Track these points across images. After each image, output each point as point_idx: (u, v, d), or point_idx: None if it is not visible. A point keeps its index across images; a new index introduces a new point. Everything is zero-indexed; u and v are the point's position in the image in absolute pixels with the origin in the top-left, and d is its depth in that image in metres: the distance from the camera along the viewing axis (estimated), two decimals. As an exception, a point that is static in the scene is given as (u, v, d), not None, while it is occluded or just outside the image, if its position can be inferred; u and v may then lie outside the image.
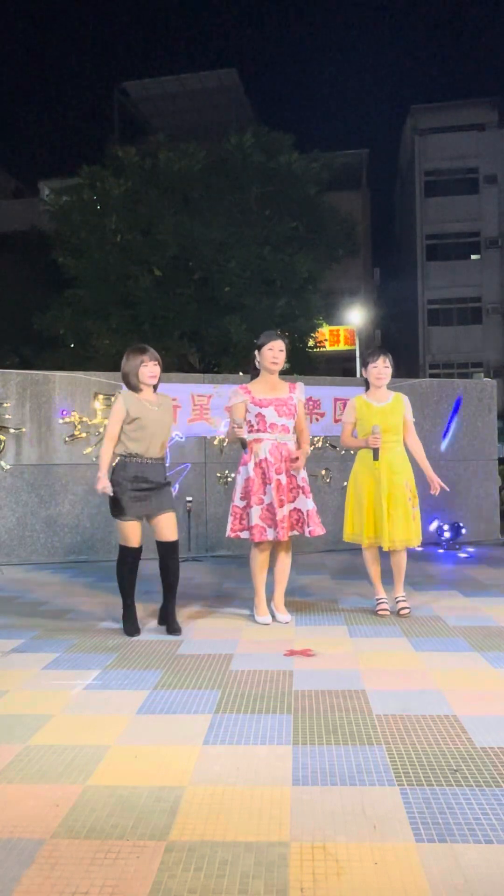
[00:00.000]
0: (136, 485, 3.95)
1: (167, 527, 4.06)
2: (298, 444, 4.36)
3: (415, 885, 1.68)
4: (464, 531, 7.73)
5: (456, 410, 8.23)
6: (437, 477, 4.62)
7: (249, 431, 4.29)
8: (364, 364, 4.69)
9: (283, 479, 4.23)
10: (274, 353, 4.27)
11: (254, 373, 4.42)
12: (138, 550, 4.07)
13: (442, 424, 8.18)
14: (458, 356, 31.04)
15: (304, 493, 4.29)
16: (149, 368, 4.01)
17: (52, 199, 14.09)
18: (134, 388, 4.06)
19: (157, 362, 4.05)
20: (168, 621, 4.12)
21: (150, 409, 4.02)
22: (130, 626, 4.07)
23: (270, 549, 4.38)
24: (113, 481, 3.96)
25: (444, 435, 8.18)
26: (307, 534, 4.29)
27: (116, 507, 3.98)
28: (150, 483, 3.99)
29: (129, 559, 4.07)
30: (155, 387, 4.11)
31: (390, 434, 4.50)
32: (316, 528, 4.28)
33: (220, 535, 7.25)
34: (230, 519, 4.32)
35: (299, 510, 4.28)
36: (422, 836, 1.89)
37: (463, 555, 7.25)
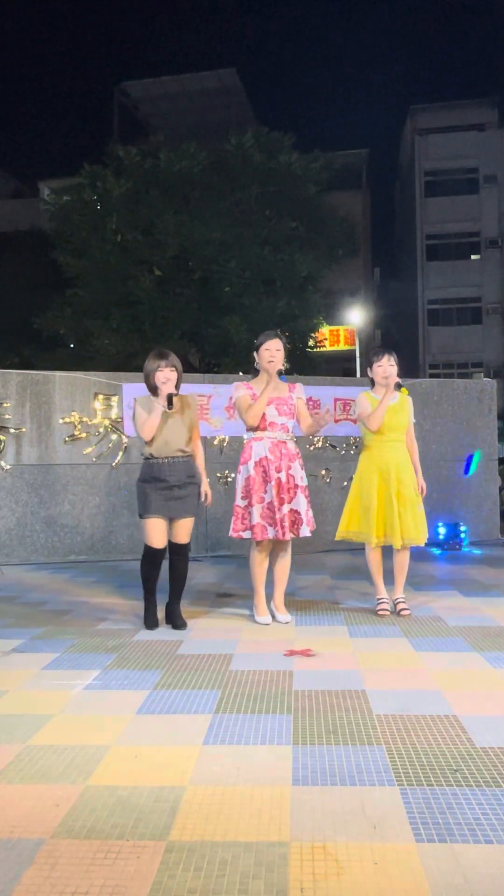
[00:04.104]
0: (157, 484, 4.09)
1: (183, 531, 4.22)
2: (297, 447, 4.39)
3: (415, 885, 1.68)
4: (464, 531, 7.72)
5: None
6: (424, 482, 4.66)
7: (248, 430, 4.31)
8: (369, 363, 4.66)
9: (283, 477, 4.24)
10: (270, 352, 4.28)
11: (255, 374, 4.43)
12: (162, 552, 4.18)
13: (442, 424, 8.18)
14: (458, 356, 31.05)
15: (301, 491, 4.30)
16: (163, 373, 4.12)
17: (53, 199, 14.09)
18: (152, 388, 4.18)
19: (173, 368, 4.15)
20: (173, 618, 4.25)
21: (160, 412, 4.08)
22: (151, 620, 4.22)
23: (270, 549, 4.39)
24: (138, 480, 4.19)
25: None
26: (301, 535, 4.31)
27: (141, 506, 4.14)
28: (168, 482, 4.09)
29: (151, 559, 4.18)
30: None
31: (397, 432, 4.52)
32: (307, 530, 4.31)
33: (220, 535, 7.25)
34: (233, 519, 4.33)
35: (297, 511, 4.28)
36: (422, 836, 1.89)
37: (474, 551, 7.25)
